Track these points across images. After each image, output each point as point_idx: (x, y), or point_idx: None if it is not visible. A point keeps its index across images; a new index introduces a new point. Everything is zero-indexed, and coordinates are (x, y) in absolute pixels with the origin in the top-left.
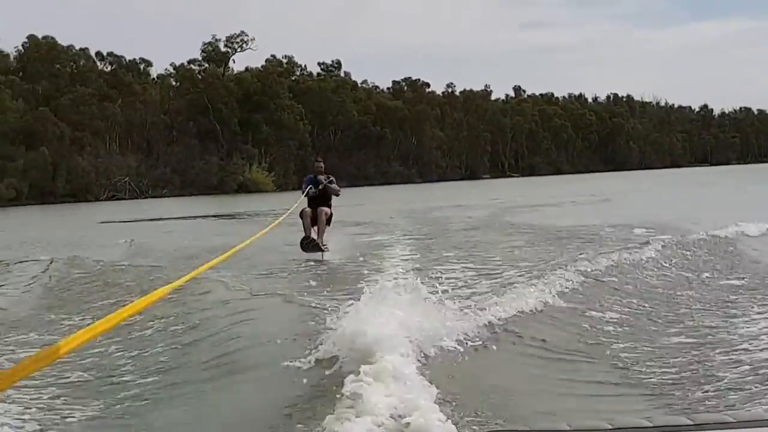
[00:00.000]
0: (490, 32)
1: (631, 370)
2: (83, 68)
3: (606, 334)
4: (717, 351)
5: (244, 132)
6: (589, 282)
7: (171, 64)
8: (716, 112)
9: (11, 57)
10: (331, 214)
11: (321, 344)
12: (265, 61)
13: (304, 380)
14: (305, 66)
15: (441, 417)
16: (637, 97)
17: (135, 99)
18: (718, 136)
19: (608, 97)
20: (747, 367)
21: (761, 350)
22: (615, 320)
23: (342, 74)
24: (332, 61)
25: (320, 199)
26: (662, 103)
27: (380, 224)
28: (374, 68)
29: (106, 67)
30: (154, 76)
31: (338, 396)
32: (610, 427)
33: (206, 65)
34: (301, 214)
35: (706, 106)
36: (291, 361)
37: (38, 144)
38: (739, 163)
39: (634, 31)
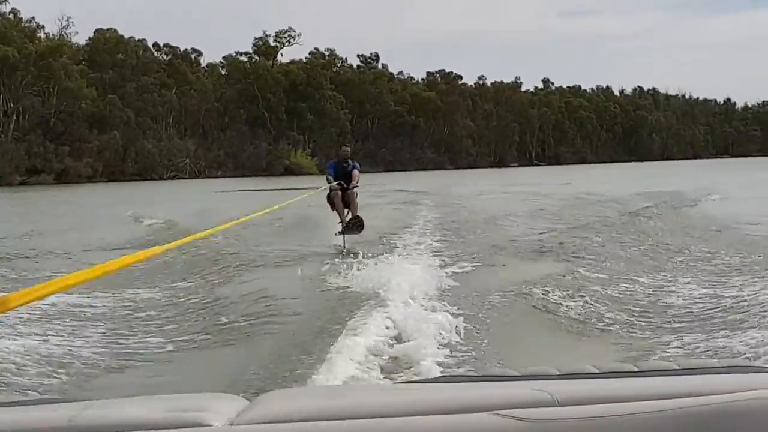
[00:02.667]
0: (527, 20)
1: (588, 323)
2: (144, 58)
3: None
4: (666, 305)
5: (290, 119)
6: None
7: (223, 57)
8: (739, 105)
9: (81, 49)
10: (357, 194)
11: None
12: (309, 54)
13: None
14: (346, 58)
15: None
16: (662, 90)
17: (190, 87)
18: (740, 129)
19: (634, 89)
20: (692, 321)
21: (705, 308)
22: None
23: (380, 66)
24: (371, 54)
25: (347, 182)
26: (687, 96)
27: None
28: (410, 58)
29: (163, 57)
30: (204, 65)
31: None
32: (558, 372)
33: (256, 58)
34: (330, 199)
35: (729, 99)
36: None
37: (108, 128)
38: (761, 156)
39: (674, 22)
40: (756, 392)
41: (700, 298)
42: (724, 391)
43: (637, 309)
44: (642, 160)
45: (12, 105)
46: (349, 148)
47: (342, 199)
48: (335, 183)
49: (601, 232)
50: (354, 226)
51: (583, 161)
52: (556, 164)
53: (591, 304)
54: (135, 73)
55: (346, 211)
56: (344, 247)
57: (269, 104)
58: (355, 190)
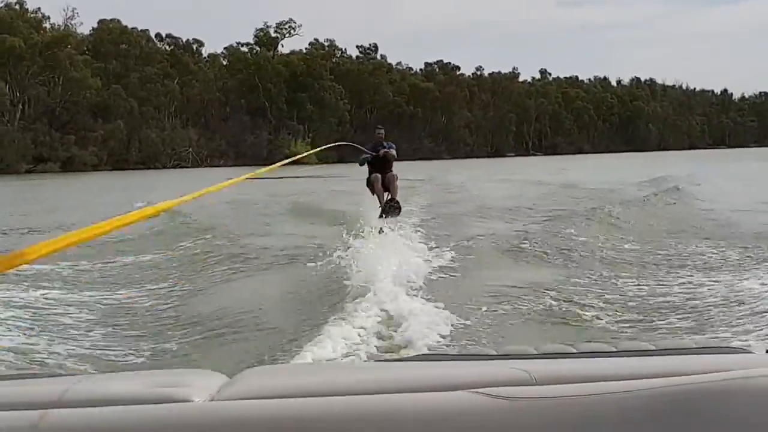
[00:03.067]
0: (526, 10)
1: (566, 303)
2: (148, 49)
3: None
4: (645, 289)
5: (290, 109)
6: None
7: (224, 48)
8: (737, 96)
9: (85, 40)
10: (397, 177)
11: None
12: (309, 44)
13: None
14: (345, 49)
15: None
16: (660, 81)
17: (192, 77)
18: (737, 120)
19: (631, 80)
20: (669, 303)
21: (684, 291)
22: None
23: (378, 57)
24: (370, 45)
25: (383, 165)
26: (684, 87)
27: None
28: (409, 49)
29: (165, 48)
30: (205, 55)
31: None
32: (536, 352)
33: (257, 48)
34: (370, 182)
35: (726, 90)
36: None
37: (113, 117)
38: (757, 146)
39: (673, 13)
40: (731, 373)
41: (679, 283)
42: (700, 371)
43: (615, 292)
44: (638, 151)
45: (18, 94)
46: (383, 130)
47: (382, 182)
48: (368, 156)
49: (576, 218)
50: (391, 209)
51: (580, 151)
52: (552, 154)
53: (568, 287)
54: (138, 64)
55: (386, 194)
56: (381, 228)
57: (270, 94)
58: (395, 173)
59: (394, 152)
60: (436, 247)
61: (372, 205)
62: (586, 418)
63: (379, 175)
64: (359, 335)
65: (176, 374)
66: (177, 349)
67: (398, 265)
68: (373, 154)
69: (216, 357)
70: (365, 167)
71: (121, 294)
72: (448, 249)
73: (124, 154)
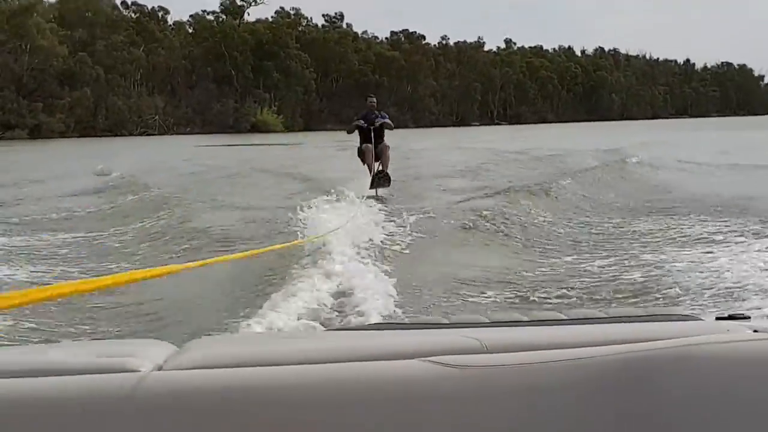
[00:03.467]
0: None
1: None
2: (114, 17)
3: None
4: (593, 258)
5: (256, 78)
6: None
7: (190, 16)
8: (699, 66)
9: (52, 7)
10: (389, 147)
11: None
12: (275, 12)
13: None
14: (311, 18)
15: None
16: (623, 51)
17: (158, 45)
18: (699, 90)
19: (596, 50)
20: (619, 273)
21: (633, 262)
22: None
23: (344, 25)
24: (335, 13)
25: (377, 135)
26: (647, 57)
27: None
28: (375, 18)
29: (131, 15)
30: (171, 23)
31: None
32: (487, 320)
33: (223, 17)
34: (361, 152)
35: (688, 60)
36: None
37: (79, 85)
38: (719, 116)
39: None
40: (681, 339)
41: (629, 253)
42: (650, 338)
43: (562, 263)
44: (602, 120)
45: None
46: (375, 99)
47: (374, 152)
48: (360, 124)
49: (528, 187)
50: (381, 180)
51: (544, 121)
52: (517, 123)
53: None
54: (104, 32)
55: (376, 164)
56: (377, 194)
57: (236, 63)
58: (387, 144)
59: (389, 121)
60: (390, 215)
61: (361, 175)
62: (538, 385)
63: (371, 146)
64: (306, 303)
65: (122, 344)
66: (120, 323)
67: (351, 233)
68: (365, 125)
69: (161, 328)
70: (355, 135)
71: (61, 269)
72: (400, 217)
73: (91, 121)
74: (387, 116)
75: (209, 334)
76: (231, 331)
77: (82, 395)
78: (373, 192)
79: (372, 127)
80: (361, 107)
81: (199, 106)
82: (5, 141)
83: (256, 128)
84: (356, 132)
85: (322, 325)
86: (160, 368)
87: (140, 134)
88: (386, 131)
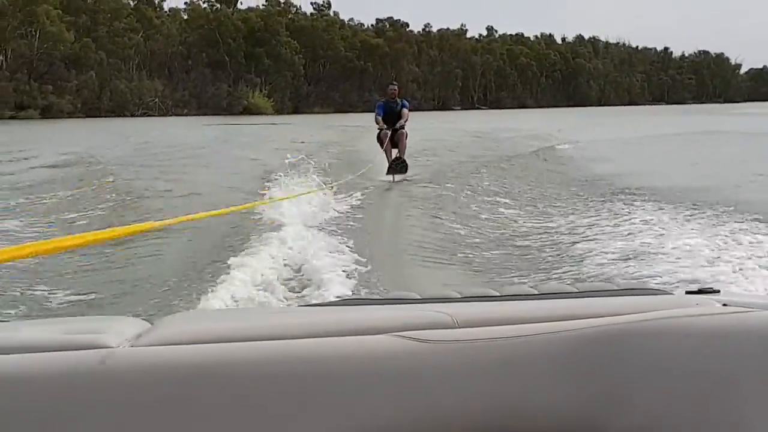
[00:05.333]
0: None
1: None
2: (115, 4)
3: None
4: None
5: (248, 63)
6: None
7: (185, 3)
8: (677, 54)
9: None
10: (407, 135)
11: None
12: (266, 1)
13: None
14: (300, 6)
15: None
16: (603, 38)
17: (156, 32)
18: (675, 77)
19: (576, 38)
20: (589, 248)
21: (603, 236)
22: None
23: (332, 13)
24: (323, 2)
25: (395, 122)
26: (626, 44)
27: None
28: (362, 4)
29: (130, 2)
30: (166, 9)
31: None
32: (458, 295)
33: (218, 6)
34: (380, 138)
35: (666, 48)
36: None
37: (85, 69)
38: (695, 103)
39: None
40: (652, 313)
41: (599, 228)
42: (621, 312)
43: (528, 236)
44: (580, 106)
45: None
46: (396, 86)
47: (391, 138)
48: (383, 126)
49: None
50: (398, 167)
51: (523, 106)
52: (497, 108)
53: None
54: (106, 18)
55: (394, 151)
56: (393, 180)
57: (229, 49)
58: (405, 131)
59: (407, 111)
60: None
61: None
62: (509, 359)
63: (389, 132)
64: (267, 278)
65: (93, 321)
66: (88, 300)
67: (312, 210)
68: (388, 130)
69: (117, 307)
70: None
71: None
72: (361, 193)
73: (96, 102)
74: (408, 104)
75: (182, 310)
76: (204, 307)
77: (52, 372)
78: (390, 178)
79: (390, 102)
80: (346, 92)
81: (195, 89)
82: (20, 120)
83: (248, 111)
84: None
85: (294, 300)
86: (133, 345)
87: (141, 115)
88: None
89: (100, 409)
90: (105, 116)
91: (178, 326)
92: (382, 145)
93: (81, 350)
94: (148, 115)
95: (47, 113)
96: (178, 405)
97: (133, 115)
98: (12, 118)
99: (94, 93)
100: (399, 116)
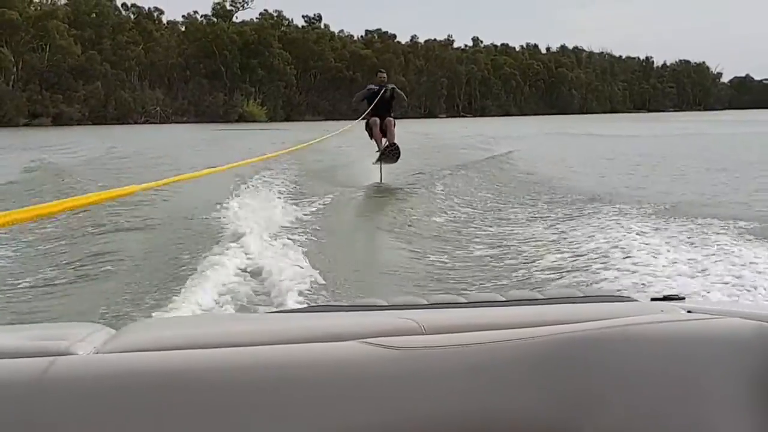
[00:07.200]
0: None
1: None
2: (117, 18)
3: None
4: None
5: (243, 74)
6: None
7: (183, 16)
8: (658, 63)
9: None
10: (395, 123)
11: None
12: (260, 15)
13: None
14: (292, 19)
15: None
16: (586, 48)
17: (155, 44)
18: (656, 86)
19: (559, 48)
20: (553, 255)
21: (562, 250)
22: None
23: (322, 26)
24: (314, 15)
25: (383, 110)
26: (610, 54)
27: None
28: (351, 12)
29: (130, 16)
30: (165, 22)
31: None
32: (426, 302)
33: (214, 20)
34: (369, 126)
35: (648, 57)
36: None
37: (92, 80)
38: (675, 111)
39: None
40: (618, 320)
41: (567, 235)
42: (587, 319)
43: (498, 243)
44: (562, 114)
45: (14, 59)
46: (385, 73)
47: (380, 127)
48: (361, 108)
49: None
50: (390, 153)
51: (507, 114)
52: (481, 116)
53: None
54: (110, 32)
55: (383, 140)
56: (381, 180)
57: (225, 60)
58: (393, 119)
59: (401, 92)
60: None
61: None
62: (476, 366)
63: (378, 120)
64: (229, 288)
65: (57, 327)
66: (46, 306)
67: (272, 217)
68: (376, 87)
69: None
70: (359, 115)
71: None
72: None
73: (102, 111)
74: (396, 88)
75: (147, 317)
76: (169, 314)
77: (15, 380)
78: (377, 173)
79: (383, 91)
80: (336, 100)
81: (193, 98)
82: (33, 127)
83: (243, 118)
84: (364, 107)
85: (262, 307)
86: (97, 351)
87: (144, 122)
88: (395, 110)
89: (65, 417)
90: (110, 124)
91: (143, 333)
92: (370, 133)
93: (44, 357)
94: (150, 123)
95: (58, 121)
96: (144, 413)
97: (136, 123)
98: (26, 125)
99: (100, 102)
100: (388, 105)
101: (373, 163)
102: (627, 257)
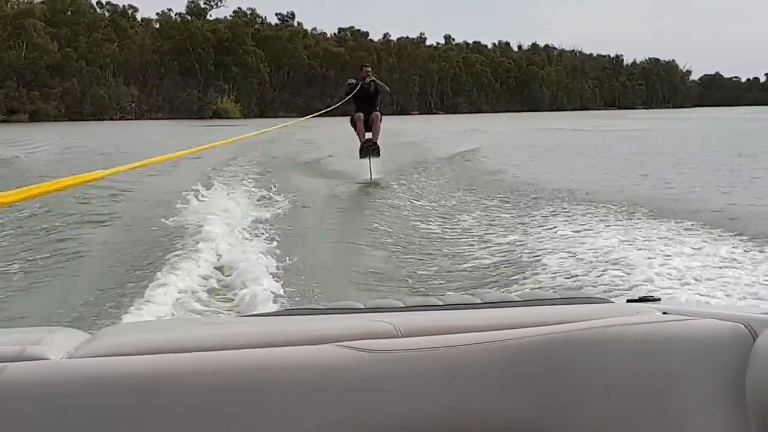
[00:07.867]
0: None
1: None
2: (92, 16)
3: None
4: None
5: (217, 71)
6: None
7: (157, 14)
8: (629, 61)
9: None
10: (381, 118)
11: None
12: (233, 12)
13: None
14: (265, 17)
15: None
16: (557, 46)
17: (130, 42)
18: (626, 84)
19: (530, 45)
20: (531, 257)
21: (514, 250)
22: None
23: (296, 23)
24: (287, 12)
25: (369, 104)
26: (580, 52)
27: None
28: (324, 10)
29: (105, 13)
30: (139, 19)
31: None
32: (402, 305)
33: (189, 18)
34: (353, 121)
35: (618, 55)
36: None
37: (68, 76)
38: (644, 108)
39: None
40: (594, 321)
41: (544, 236)
42: (563, 321)
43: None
44: (533, 111)
45: None
46: (370, 68)
47: (365, 122)
48: (351, 81)
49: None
50: (369, 149)
51: (479, 111)
52: (453, 113)
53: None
54: (85, 29)
55: (367, 134)
56: (371, 177)
57: (199, 57)
58: (379, 114)
59: (385, 85)
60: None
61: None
62: (452, 368)
63: (362, 115)
64: (199, 289)
65: (29, 332)
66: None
67: (240, 214)
68: (356, 81)
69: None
70: (342, 110)
71: None
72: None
73: (78, 107)
74: (381, 82)
75: (121, 321)
76: (144, 318)
77: None
78: (366, 169)
79: (363, 84)
80: (310, 98)
81: (168, 95)
82: (11, 123)
83: (217, 115)
84: (346, 101)
85: (237, 311)
86: (71, 356)
87: (119, 119)
88: (381, 104)
89: (39, 422)
90: (87, 120)
91: (118, 337)
92: (355, 128)
93: (18, 362)
94: (125, 119)
95: (35, 117)
96: (118, 418)
97: (111, 119)
98: (3, 121)
99: (76, 98)
100: (373, 100)
101: (360, 158)
102: (606, 259)
